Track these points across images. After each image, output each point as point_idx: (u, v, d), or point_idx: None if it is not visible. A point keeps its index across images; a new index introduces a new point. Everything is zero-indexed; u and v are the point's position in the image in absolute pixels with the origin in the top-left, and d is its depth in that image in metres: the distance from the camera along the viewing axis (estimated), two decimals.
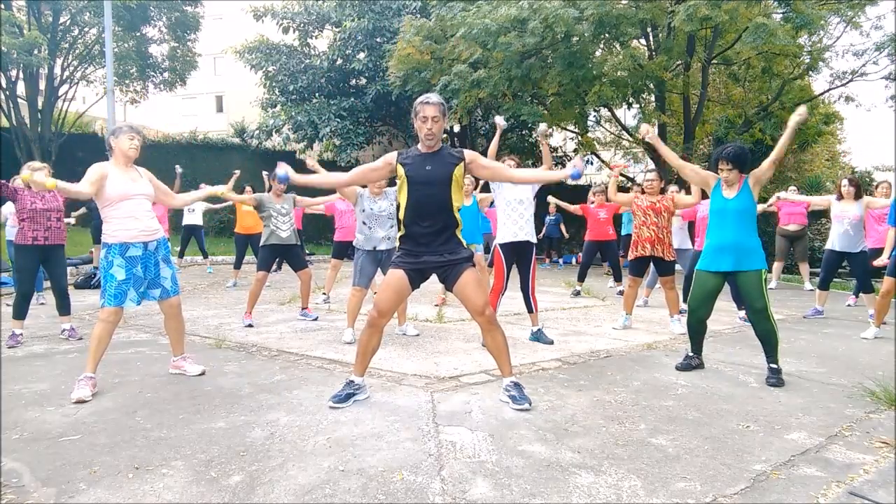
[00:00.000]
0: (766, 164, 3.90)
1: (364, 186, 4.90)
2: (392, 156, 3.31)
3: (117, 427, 2.88)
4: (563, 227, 13.43)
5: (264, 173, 7.76)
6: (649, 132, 4.11)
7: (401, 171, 3.22)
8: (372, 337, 3.24)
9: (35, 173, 3.30)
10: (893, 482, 2.35)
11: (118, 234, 3.51)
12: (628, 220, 9.87)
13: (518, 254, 4.83)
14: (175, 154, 17.47)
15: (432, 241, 3.19)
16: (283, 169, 3.25)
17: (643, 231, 5.55)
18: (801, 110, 3.73)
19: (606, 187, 9.21)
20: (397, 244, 3.35)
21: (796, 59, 13.49)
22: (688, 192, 5.82)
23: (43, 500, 2.17)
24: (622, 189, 7.59)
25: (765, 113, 14.14)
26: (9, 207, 6.59)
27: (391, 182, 4.59)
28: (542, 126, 4.84)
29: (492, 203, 5.57)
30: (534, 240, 4.83)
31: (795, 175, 19.11)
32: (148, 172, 3.82)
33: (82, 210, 9.15)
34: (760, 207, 5.31)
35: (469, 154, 3.29)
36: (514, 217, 4.77)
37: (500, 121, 4.92)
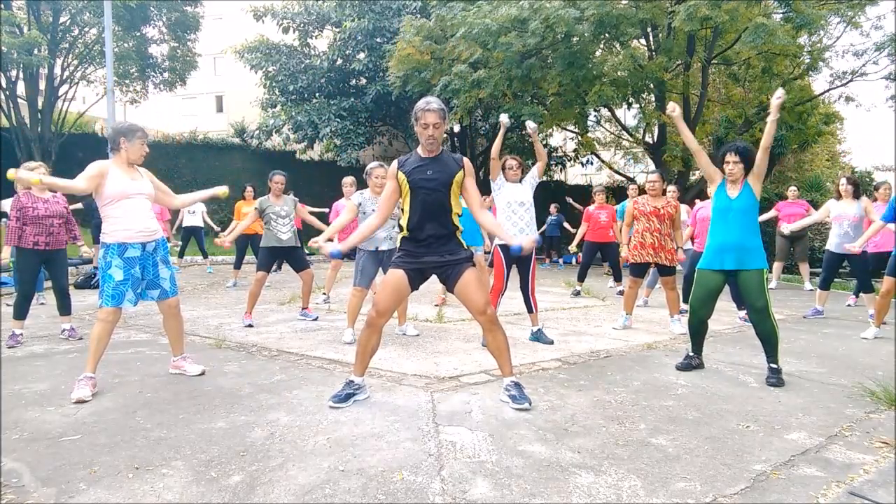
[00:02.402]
0: (759, 153, 3.88)
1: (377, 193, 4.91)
2: (394, 168, 3.29)
3: (117, 427, 2.88)
4: (567, 225, 13.25)
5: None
6: (675, 110, 4.12)
7: (403, 180, 3.22)
8: (371, 337, 3.24)
9: (18, 170, 3.29)
10: (893, 482, 2.35)
11: (116, 233, 3.51)
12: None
13: (518, 256, 4.82)
14: (175, 154, 17.50)
15: (433, 242, 3.21)
16: (333, 247, 3.31)
17: (646, 237, 5.53)
18: (779, 93, 3.79)
19: (606, 187, 9.26)
20: (398, 245, 3.35)
21: (796, 59, 13.49)
22: (681, 198, 5.85)
23: (43, 500, 2.17)
24: (621, 189, 7.61)
25: (765, 113, 14.10)
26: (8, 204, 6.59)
27: None
28: (531, 124, 4.99)
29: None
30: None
31: (795, 175, 19.11)
32: (149, 173, 3.82)
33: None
34: (762, 217, 5.33)
35: (468, 166, 3.30)
36: (514, 219, 4.77)
37: (504, 119, 4.88)
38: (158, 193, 3.84)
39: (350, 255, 6.22)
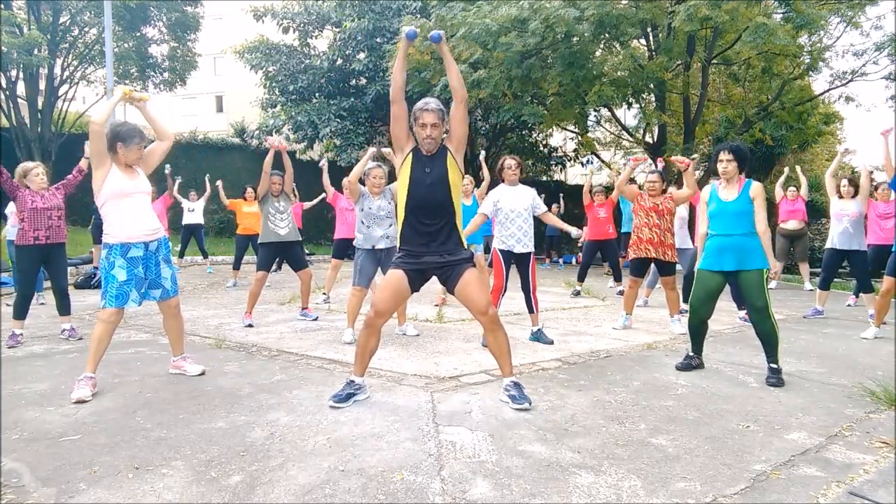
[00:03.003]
0: (763, 211, 3.92)
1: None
2: (412, 140, 3.28)
3: (117, 427, 2.88)
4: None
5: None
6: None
7: (409, 159, 3.23)
8: (370, 337, 3.24)
9: (125, 89, 3.54)
10: (893, 482, 2.35)
11: (119, 233, 3.51)
12: (628, 218, 9.87)
13: (517, 260, 4.85)
14: (175, 154, 17.29)
15: (432, 240, 3.20)
16: (411, 28, 3.13)
17: (644, 232, 5.53)
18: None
19: (605, 187, 9.24)
20: (397, 244, 3.35)
21: (796, 59, 13.47)
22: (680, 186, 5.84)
23: (43, 500, 2.17)
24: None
25: (765, 113, 14.13)
26: (10, 207, 6.60)
27: (390, 180, 4.60)
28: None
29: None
30: (532, 249, 4.84)
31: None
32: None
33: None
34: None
35: (446, 139, 3.29)
36: (512, 229, 4.77)
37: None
38: (154, 158, 3.81)
39: (350, 254, 6.24)
